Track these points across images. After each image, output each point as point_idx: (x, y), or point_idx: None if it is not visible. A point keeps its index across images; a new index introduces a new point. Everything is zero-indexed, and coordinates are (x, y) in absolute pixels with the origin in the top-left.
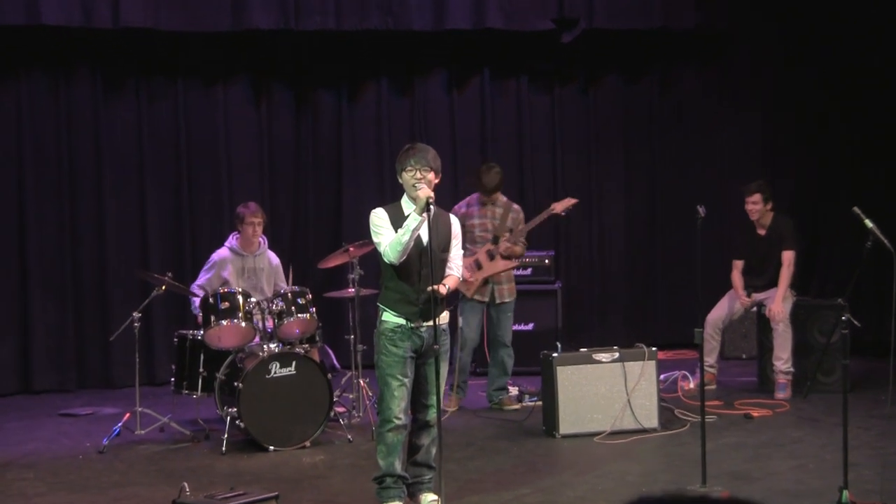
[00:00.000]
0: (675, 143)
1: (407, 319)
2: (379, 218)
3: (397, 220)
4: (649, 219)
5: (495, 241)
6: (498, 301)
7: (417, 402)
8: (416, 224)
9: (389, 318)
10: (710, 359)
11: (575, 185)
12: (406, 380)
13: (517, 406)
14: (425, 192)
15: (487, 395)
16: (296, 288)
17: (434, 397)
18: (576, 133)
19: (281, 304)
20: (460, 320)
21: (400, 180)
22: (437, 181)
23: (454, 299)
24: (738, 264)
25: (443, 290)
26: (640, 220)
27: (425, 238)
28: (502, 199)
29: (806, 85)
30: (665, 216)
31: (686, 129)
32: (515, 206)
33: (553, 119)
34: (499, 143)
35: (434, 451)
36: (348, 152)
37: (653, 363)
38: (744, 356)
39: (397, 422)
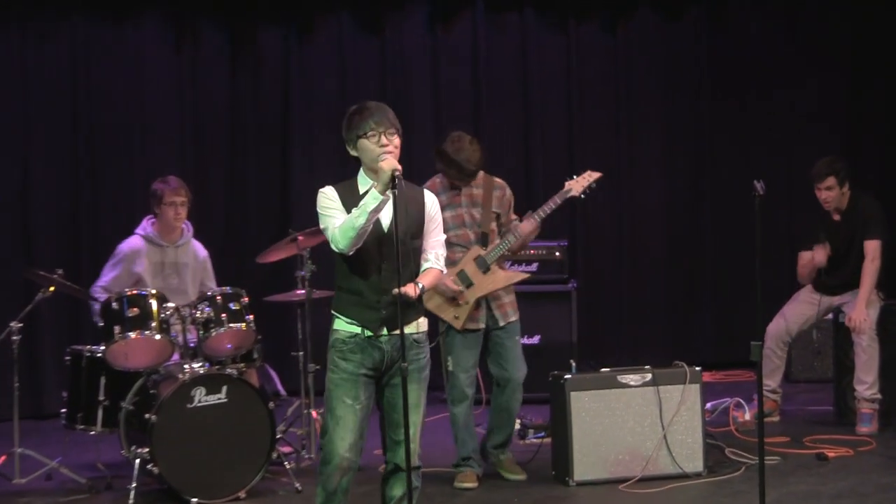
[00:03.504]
0: (729, 103)
1: (363, 328)
2: (328, 198)
3: (352, 201)
4: (693, 200)
5: (483, 240)
6: (502, 323)
7: (387, 438)
8: (377, 204)
9: (342, 325)
10: (772, 382)
11: (597, 156)
12: (357, 405)
13: (522, 476)
14: (389, 162)
15: (484, 452)
16: (228, 289)
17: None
18: (599, 87)
19: (208, 310)
20: (449, 362)
21: (353, 152)
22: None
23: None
24: (807, 255)
25: (412, 290)
26: (681, 201)
27: (387, 222)
28: (480, 174)
29: None
30: (714, 196)
31: (743, 84)
32: (498, 181)
33: (568, 67)
34: (496, 98)
35: None
36: (299, 111)
37: (696, 387)
38: (816, 378)
39: (342, 460)
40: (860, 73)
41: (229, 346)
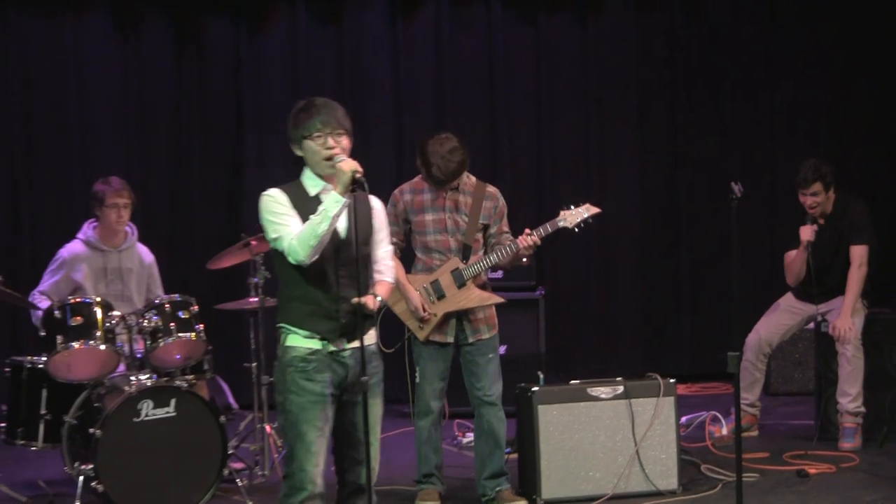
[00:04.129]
0: (706, 99)
1: (324, 340)
2: (276, 202)
3: (304, 205)
4: (668, 201)
5: (464, 252)
6: (471, 339)
7: (346, 457)
8: (339, 208)
9: (298, 341)
10: (751, 395)
11: (567, 155)
12: (327, 429)
13: None
14: (350, 163)
15: (478, 486)
16: (177, 297)
17: (370, 449)
18: (569, 83)
19: (156, 318)
20: (417, 373)
21: (298, 151)
22: (350, 146)
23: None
24: (792, 254)
25: (372, 302)
26: (655, 202)
27: (343, 227)
28: (470, 179)
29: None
30: (690, 198)
31: (722, 77)
32: (491, 189)
33: (538, 61)
34: (460, 96)
35: None
36: (251, 107)
37: (671, 400)
38: (797, 391)
39: (316, 487)
40: (844, 67)
41: (178, 356)
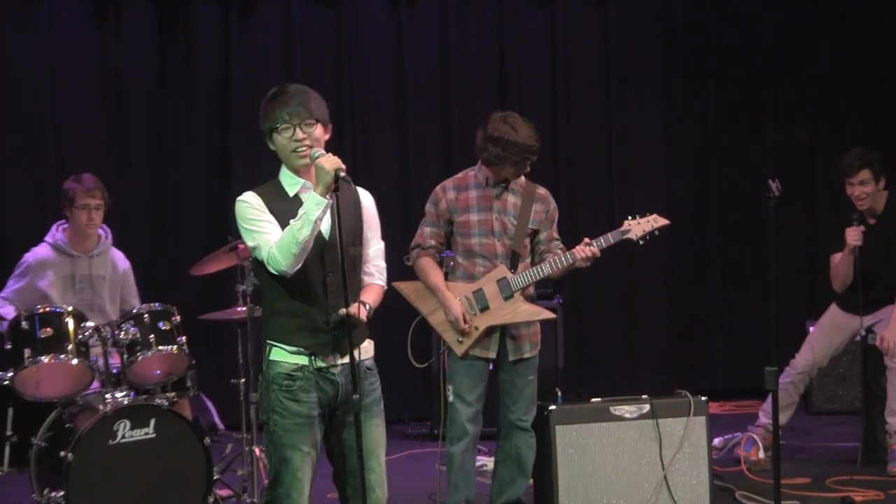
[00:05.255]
0: (741, 85)
1: (312, 356)
2: (253, 207)
3: (283, 208)
4: (698, 201)
5: (512, 260)
6: (512, 357)
7: (348, 485)
8: (321, 211)
9: (283, 356)
10: (781, 417)
11: (586, 150)
12: (315, 453)
13: None
14: (331, 160)
15: None
16: (157, 306)
17: (371, 475)
18: (589, 69)
19: (133, 330)
20: (449, 392)
21: (271, 146)
22: (326, 137)
23: (418, 340)
24: (838, 257)
25: (363, 312)
26: (684, 202)
27: (326, 228)
28: (521, 178)
29: None
30: (723, 198)
31: (756, 62)
32: (542, 191)
33: (553, 46)
34: (470, 83)
35: None
36: (240, 99)
37: (702, 420)
38: (842, 409)
39: None
40: (889, 43)
41: (158, 372)
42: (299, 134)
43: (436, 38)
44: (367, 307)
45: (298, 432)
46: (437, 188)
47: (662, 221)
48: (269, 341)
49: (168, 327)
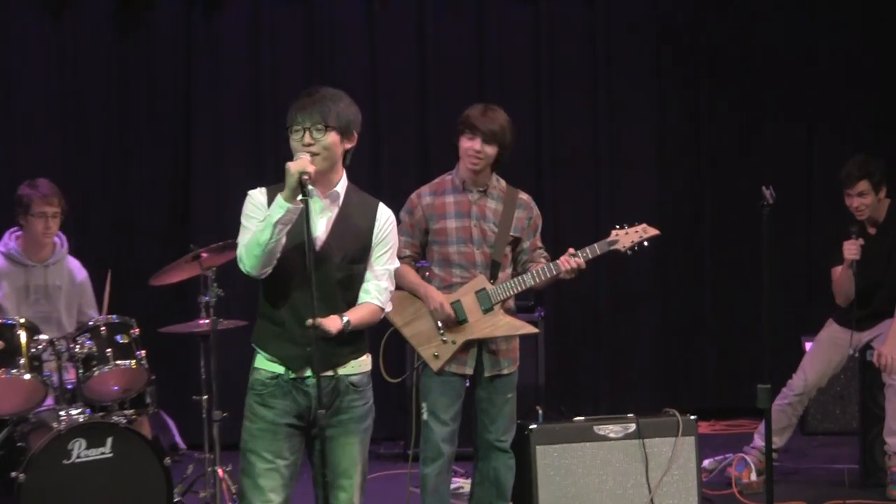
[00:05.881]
0: (736, 87)
1: (287, 367)
2: (251, 203)
3: None
4: (689, 208)
5: (493, 269)
6: (489, 373)
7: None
8: (283, 214)
9: (262, 363)
10: (779, 440)
11: (573, 154)
12: (281, 462)
13: None
14: (299, 163)
15: None
16: (114, 318)
17: (341, 494)
18: (575, 69)
19: (90, 343)
20: (423, 410)
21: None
22: (349, 146)
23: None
24: (839, 270)
25: (332, 325)
26: (674, 209)
27: (321, 236)
28: (500, 183)
29: None
30: (715, 204)
31: (753, 61)
32: (524, 197)
33: (537, 45)
34: (448, 83)
35: None
36: (204, 98)
37: (691, 440)
38: (838, 430)
39: None
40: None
41: (116, 388)
42: (307, 138)
43: (412, 37)
44: (345, 321)
45: (262, 438)
46: (413, 195)
47: (652, 232)
48: (253, 345)
49: (126, 340)
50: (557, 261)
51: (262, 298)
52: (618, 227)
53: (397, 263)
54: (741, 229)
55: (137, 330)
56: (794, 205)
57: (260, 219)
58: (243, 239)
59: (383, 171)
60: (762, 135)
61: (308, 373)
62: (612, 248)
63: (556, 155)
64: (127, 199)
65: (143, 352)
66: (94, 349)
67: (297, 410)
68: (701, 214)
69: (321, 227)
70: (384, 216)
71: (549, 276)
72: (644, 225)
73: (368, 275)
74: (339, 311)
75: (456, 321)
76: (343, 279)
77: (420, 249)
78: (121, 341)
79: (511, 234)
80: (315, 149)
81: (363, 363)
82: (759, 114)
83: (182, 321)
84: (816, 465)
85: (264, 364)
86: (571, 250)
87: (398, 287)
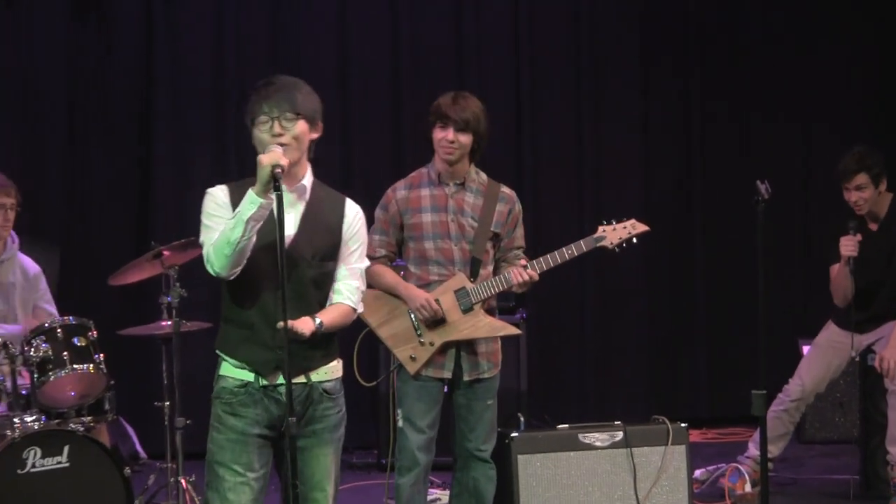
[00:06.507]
0: (728, 75)
1: (256, 373)
2: (214, 202)
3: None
4: (679, 205)
5: (472, 267)
6: (468, 377)
7: None
8: (255, 210)
9: (229, 371)
10: (774, 449)
11: (555, 146)
12: (252, 475)
13: None
14: (271, 156)
15: None
16: (71, 320)
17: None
18: (557, 56)
19: (45, 346)
20: (399, 417)
21: (254, 141)
22: (315, 136)
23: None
24: (837, 268)
25: (304, 327)
26: (663, 206)
27: (290, 233)
28: (479, 175)
29: None
30: (706, 201)
31: (746, 48)
32: (507, 191)
33: (517, 28)
34: (422, 72)
35: None
36: (163, 88)
37: (682, 449)
38: (838, 438)
39: None
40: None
41: (73, 393)
42: (277, 128)
43: (384, 20)
44: (318, 323)
45: (231, 449)
46: (388, 190)
47: (641, 227)
48: (218, 351)
49: (84, 343)
50: (511, 271)
51: (227, 301)
52: (605, 222)
53: (367, 262)
54: (735, 226)
55: (95, 332)
56: (791, 200)
57: (224, 217)
58: (209, 239)
59: (353, 165)
60: (757, 124)
61: (280, 379)
62: (599, 244)
63: (536, 144)
64: (83, 193)
65: (101, 355)
66: (50, 352)
67: (269, 420)
68: (692, 210)
69: (290, 222)
70: (353, 211)
71: (502, 287)
72: (633, 220)
73: (339, 274)
74: (312, 311)
75: (437, 320)
76: (315, 277)
77: (396, 249)
78: (78, 344)
79: (492, 229)
80: (285, 139)
81: (335, 369)
82: (754, 102)
83: (143, 323)
84: (814, 475)
85: (231, 371)
86: (524, 261)
87: (373, 287)
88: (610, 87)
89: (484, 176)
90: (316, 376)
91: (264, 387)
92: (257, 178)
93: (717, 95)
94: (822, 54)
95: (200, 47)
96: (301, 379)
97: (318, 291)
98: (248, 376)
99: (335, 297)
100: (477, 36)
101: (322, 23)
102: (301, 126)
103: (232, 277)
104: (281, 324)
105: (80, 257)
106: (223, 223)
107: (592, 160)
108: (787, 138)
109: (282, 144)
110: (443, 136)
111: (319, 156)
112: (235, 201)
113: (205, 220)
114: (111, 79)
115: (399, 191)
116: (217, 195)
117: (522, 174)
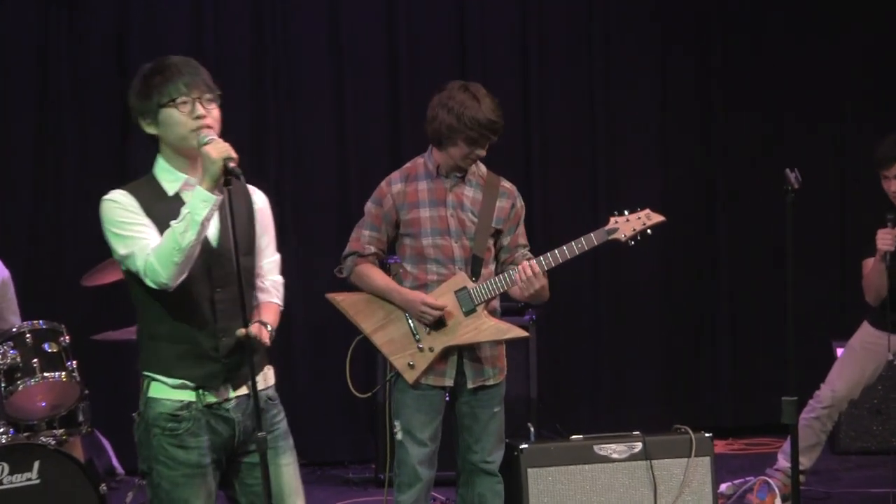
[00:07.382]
0: (753, 57)
1: (200, 390)
2: (124, 209)
3: (163, 209)
4: (701, 198)
5: (474, 265)
6: (472, 384)
7: None
8: (209, 208)
9: (164, 393)
10: (806, 461)
11: (564, 139)
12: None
13: None
14: (220, 147)
15: None
16: (41, 324)
17: None
18: (567, 40)
19: (13, 353)
20: (396, 428)
21: (151, 129)
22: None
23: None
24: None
25: (264, 333)
26: (683, 200)
27: (214, 234)
28: (479, 168)
29: None
30: (731, 193)
31: (771, 28)
32: (507, 185)
33: (524, 10)
34: (422, 59)
35: None
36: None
37: (706, 461)
38: (876, 448)
39: None
40: None
41: (43, 403)
42: (199, 109)
43: (381, 4)
44: (269, 328)
45: (189, 485)
46: (383, 183)
47: (657, 218)
48: (146, 373)
49: (55, 349)
50: (514, 270)
51: (151, 316)
52: (617, 213)
53: (278, 254)
54: (761, 217)
55: (68, 337)
56: (823, 191)
57: (143, 224)
58: (138, 248)
59: (347, 160)
60: (785, 110)
61: (232, 393)
62: (612, 237)
63: (545, 133)
64: (51, 190)
65: (74, 362)
66: (18, 359)
67: (220, 442)
68: (714, 200)
69: (213, 221)
70: (261, 199)
71: (506, 287)
72: (647, 210)
73: (261, 269)
74: (251, 311)
75: (437, 324)
76: (247, 275)
77: (386, 246)
78: (49, 350)
79: (493, 225)
80: (209, 121)
81: (269, 375)
82: (780, 87)
83: (118, 327)
84: (850, 489)
85: (167, 392)
86: (525, 263)
87: (361, 290)
88: (624, 73)
89: (483, 168)
90: (260, 383)
91: (209, 405)
92: (206, 172)
93: (740, 80)
94: (856, 31)
95: (178, 37)
96: (243, 390)
97: (251, 290)
98: (189, 395)
99: (262, 296)
100: (481, 18)
101: (314, 11)
102: (217, 109)
103: (173, 288)
104: (242, 331)
105: (50, 257)
106: (146, 230)
107: (605, 150)
108: (819, 123)
109: (207, 127)
110: (474, 153)
111: (313, 150)
112: (144, 203)
113: (118, 230)
114: (83, 73)
115: (395, 184)
116: (123, 201)
117: (531, 165)
